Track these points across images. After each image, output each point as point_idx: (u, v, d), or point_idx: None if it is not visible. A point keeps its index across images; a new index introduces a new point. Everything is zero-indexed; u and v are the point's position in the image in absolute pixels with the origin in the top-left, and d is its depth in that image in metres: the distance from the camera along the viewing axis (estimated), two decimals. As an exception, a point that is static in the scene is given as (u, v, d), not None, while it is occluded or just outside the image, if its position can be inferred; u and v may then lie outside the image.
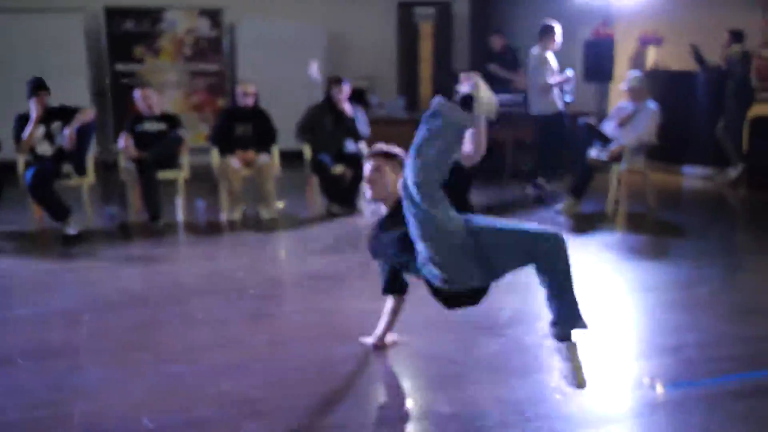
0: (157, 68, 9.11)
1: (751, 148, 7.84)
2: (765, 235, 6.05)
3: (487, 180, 7.86)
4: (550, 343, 2.85)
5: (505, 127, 7.69)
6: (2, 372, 3.27)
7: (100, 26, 8.94)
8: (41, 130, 5.79)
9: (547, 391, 3.03)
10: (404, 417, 2.90)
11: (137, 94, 6.40)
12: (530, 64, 7.27)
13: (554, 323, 2.80)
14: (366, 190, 3.30)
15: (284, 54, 9.18)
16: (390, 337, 3.49)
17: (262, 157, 6.36)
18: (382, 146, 3.36)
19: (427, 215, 2.70)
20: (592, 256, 5.14)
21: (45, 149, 5.82)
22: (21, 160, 5.92)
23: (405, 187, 2.74)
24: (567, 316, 2.78)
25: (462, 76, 2.80)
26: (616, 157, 6.45)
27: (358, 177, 6.31)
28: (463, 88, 2.76)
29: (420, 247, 2.82)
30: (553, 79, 7.08)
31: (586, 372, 2.78)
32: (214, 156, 6.44)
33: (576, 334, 2.78)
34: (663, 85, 8.31)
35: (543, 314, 2.95)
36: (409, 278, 3.28)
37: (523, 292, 4.05)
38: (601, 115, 8.04)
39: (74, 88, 8.20)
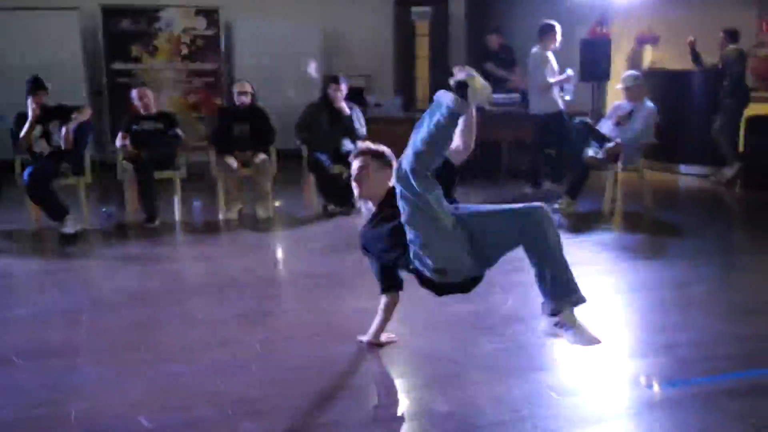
0: (154, 67, 9.10)
1: (746, 148, 7.88)
2: (761, 235, 6.07)
3: (485, 179, 7.86)
4: (545, 324, 2.87)
5: (503, 127, 7.70)
6: (0, 371, 3.27)
7: (96, 25, 8.93)
8: (39, 129, 5.79)
9: (544, 390, 3.04)
10: (401, 416, 2.91)
11: (134, 93, 6.40)
12: (530, 64, 7.27)
13: (551, 298, 2.81)
14: (353, 189, 3.31)
15: (281, 53, 9.17)
16: (385, 336, 3.49)
17: (260, 157, 6.37)
18: (369, 145, 3.38)
19: (421, 198, 2.74)
20: (588, 255, 5.15)
21: (42, 148, 5.82)
22: (18, 160, 5.91)
23: (400, 171, 2.77)
24: (564, 289, 2.80)
25: (456, 68, 2.81)
26: (613, 157, 6.47)
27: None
28: (458, 75, 2.77)
29: (412, 234, 2.84)
30: (553, 78, 7.09)
31: (593, 329, 2.79)
32: (212, 155, 6.44)
33: (577, 310, 2.80)
34: (659, 84, 8.33)
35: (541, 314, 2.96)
36: (402, 274, 3.28)
37: (522, 292, 4.07)
38: (598, 115, 8.05)
39: (71, 87, 8.19)
